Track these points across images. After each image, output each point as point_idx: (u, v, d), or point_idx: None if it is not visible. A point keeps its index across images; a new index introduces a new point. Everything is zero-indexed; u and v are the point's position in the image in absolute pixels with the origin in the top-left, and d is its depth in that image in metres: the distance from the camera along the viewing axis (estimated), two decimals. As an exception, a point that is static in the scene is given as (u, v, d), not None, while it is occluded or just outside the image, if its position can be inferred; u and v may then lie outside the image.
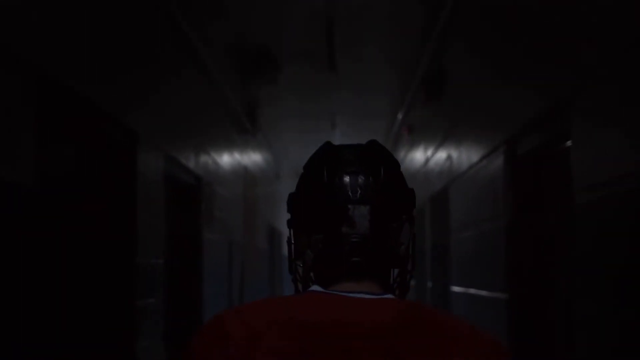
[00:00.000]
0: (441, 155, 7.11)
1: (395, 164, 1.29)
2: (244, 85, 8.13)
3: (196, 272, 5.46)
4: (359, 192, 1.22)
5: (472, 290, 5.57)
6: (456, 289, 6.27)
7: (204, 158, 5.99)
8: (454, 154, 6.34)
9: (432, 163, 7.78)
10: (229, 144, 7.49)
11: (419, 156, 8.90)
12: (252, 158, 9.75)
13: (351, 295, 1.20)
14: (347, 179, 1.22)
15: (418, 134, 9.03)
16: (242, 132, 8.19)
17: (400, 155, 11.42)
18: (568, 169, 3.31)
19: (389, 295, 1.23)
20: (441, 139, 7.08)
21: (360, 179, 1.22)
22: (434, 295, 7.65)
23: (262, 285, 10.68)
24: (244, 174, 8.53)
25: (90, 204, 3.39)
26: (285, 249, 1.73)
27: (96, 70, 3.49)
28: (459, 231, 6.08)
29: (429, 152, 8.00)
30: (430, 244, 7.79)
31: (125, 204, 3.74)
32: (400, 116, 9.99)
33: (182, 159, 5.22)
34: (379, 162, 1.26)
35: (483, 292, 5.15)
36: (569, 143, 3.33)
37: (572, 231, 3.30)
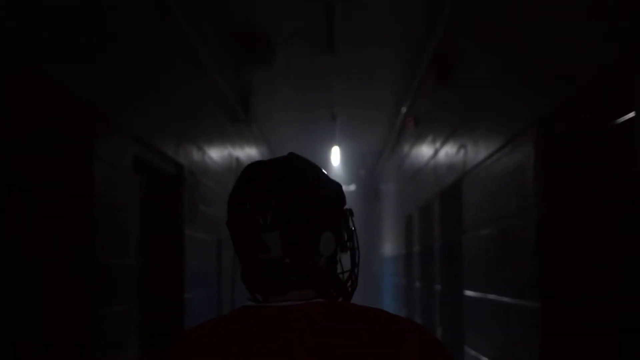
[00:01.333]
0: (452, 145, 6.45)
1: (314, 171, 1.33)
2: (236, 69, 7.46)
3: (177, 273, 4.77)
4: (269, 218, 1.26)
5: (491, 296, 4.91)
6: (470, 293, 5.61)
7: (187, 145, 5.32)
8: (469, 142, 5.68)
9: (441, 155, 7.12)
10: (219, 133, 6.82)
11: (426, 149, 8.25)
12: (247, 151, 9.08)
13: (278, 304, 1.29)
14: (257, 205, 1.27)
15: (425, 125, 8.37)
16: (234, 122, 7.52)
17: (404, 149, 10.78)
18: (627, 148, 2.64)
19: (318, 300, 1.29)
20: (452, 127, 6.42)
21: (271, 204, 1.26)
22: (444, 299, 6.98)
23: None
24: (236, 167, 7.85)
25: (29, 193, 2.72)
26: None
27: (45, 28, 2.82)
28: (474, 229, 5.41)
29: (438, 144, 7.34)
30: (440, 243, 7.11)
31: (77, 193, 3.06)
32: (405, 106, 9.33)
33: (160, 144, 4.54)
34: (291, 180, 1.29)
35: (506, 299, 4.48)
36: (630, 116, 2.66)
37: (635, 225, 2.63)
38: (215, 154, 6.52)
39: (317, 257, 1.29)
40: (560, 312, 3.60)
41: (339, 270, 1.36)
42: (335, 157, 14.11)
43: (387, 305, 14.84)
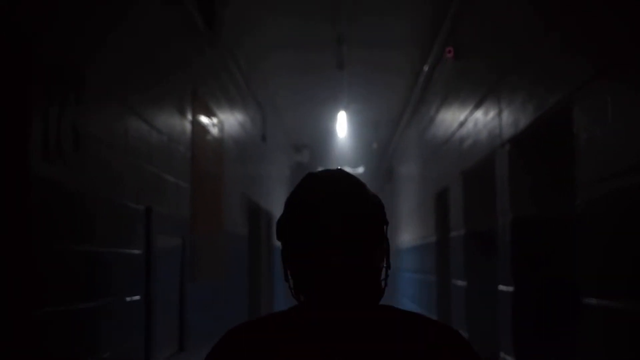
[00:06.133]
0: (535, 67, 3.95)
1: (365, 188, 1.43)
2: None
3: (16, 267, 2.19)
4: (333, 237, 1.35)
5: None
6: (597, 302, 3.06)
7: (70, 23, 2.78)
8: (576, 52, 3.17)
9: (507, 87, 4.60)
10: (157, 40, 4.29)
11: (474, 90, 5.73)
12: (217, 90, 6.53)
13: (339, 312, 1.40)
14: (320, 223, 1.36)
15: (471, 55, 5.85)
16: (190, 31, 4.95)
17: (432, 108, 8.27)
18: None
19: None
20: (531, 39, 3.92)
21: (335, 222, 1.35)
22: (524, 309, 4.40)
23: (235, 290, 7.31)
24: (193, 104, 5.23)
25: None
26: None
27: None
28: (608, 181, 2.88)
29: (497, 74, 4.83)
30: (510, 219, 4.54)
31: None
32: (440, 36, 6.78)
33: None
34: (353, 202, 1.38)
35: None
36: None
37: None
38: (145, 63, 3.98)
39: (371, 269, 1.40)
40: None
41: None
42: (342, 125, 11.54)
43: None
